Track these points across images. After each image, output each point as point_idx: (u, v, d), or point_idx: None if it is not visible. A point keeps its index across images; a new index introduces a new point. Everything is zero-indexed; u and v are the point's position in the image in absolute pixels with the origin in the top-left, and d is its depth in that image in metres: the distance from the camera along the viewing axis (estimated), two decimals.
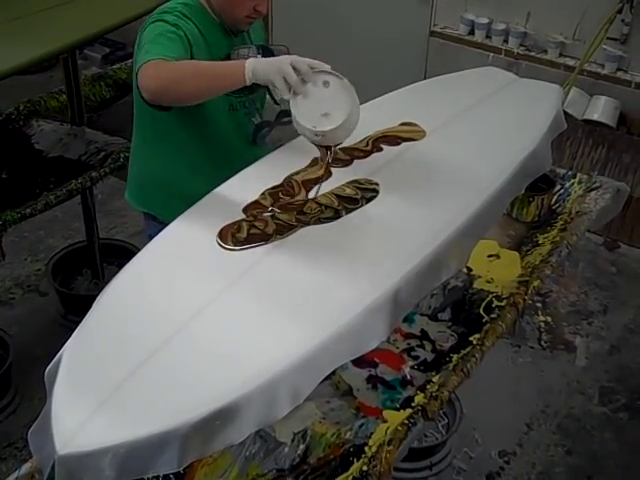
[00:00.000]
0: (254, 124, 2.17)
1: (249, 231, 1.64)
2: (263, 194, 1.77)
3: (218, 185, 1.84)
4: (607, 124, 3.99)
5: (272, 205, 1.73)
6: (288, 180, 1.83)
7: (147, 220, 2.24)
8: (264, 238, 1.62)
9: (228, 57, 2.03)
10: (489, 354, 1.90)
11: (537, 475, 2.88)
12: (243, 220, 1.68)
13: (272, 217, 1.69)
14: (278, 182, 1.82)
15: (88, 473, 1.23)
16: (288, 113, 2.02)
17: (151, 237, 1.72)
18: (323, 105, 1.70)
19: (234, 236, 1.63)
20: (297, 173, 1.85)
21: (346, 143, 1.96)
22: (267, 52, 2.02)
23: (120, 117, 3.20)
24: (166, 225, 1.73)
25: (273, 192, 1.78)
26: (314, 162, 1.89)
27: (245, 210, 1.71)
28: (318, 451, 1.74)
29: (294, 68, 1.69)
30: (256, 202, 1.75)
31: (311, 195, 1.78)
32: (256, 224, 1.66)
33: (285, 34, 5.23)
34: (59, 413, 1.27)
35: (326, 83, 1.71)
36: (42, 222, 3.83)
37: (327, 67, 1.74)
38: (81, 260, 3.53)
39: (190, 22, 1.97)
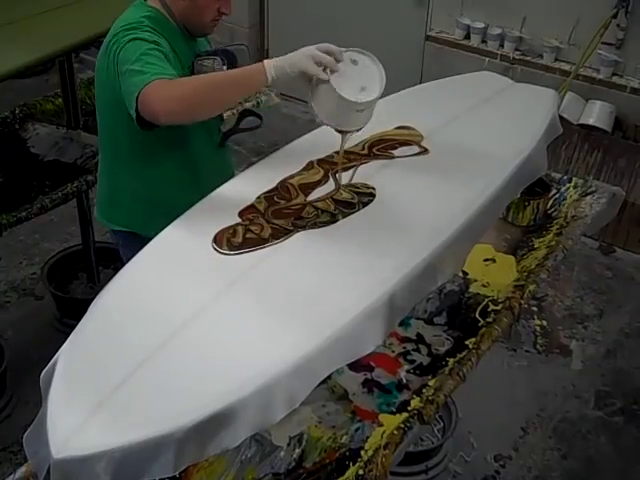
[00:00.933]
0: (220, 130, 2.17)
1: (245, 235, 1.64)
2: (258, 198, 1.77)
3: (196, 193, 1.83)
4: (602, 129, 4.00)
5: (266, 209, 1.73)
6: (283, 184, 1.82)
7: (126, 238, 2.17)
8: (260, 242, 1.62)
9: (192, 64, 2.01)
10: (485, 358, 1.90)
11: (533, 479, 2.88)
12: (239, 224, 1.68)
13: (268, 221, 1.69)
14: (273, 186, 1.82)
15: (84, 477, 1.23)
16: (249, 113, 2.03)
17: (132, 256, 1.66)
18: (358, 81, 1.77)
19: (229, 241, 1.63)
20: (292, 177, 1.85)
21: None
22: (229, 55, 2.02)
23: None
24: (149, 240, 1.69)
25: (268, 196, 1.78)
26: (309, 166, 1.89)
27: (240, 214, 1.71)
28: (314, 455, 1.74)
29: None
30: (251, 206, 1.75)
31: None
32: (252, 228, 1.66)
33: (280, 38, 5.24)
34: (55, 417, 1.27)
35: (354, 61, 1.78)
36: (38, 226, 3.82)
37: (350, 49, 1.80)
38: (77, 264, 3.52)
39: (161, 36, 1.93)
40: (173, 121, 1.83)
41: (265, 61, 1.76)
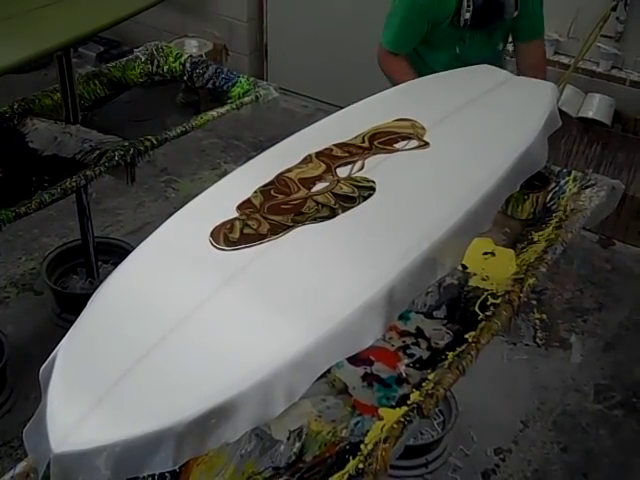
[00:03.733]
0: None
1: (242, 231, 1.63)
2: (255, 192, 1.76)
3: None
4: (602, 122, 4.00)
5: (262, 204, 1.71)
6: (279, 178, 1.81)
7: None
8: (258, 238, 1.61)
9: None
10: (484, 352, 1.90)
11: (533, 472, 2.88)
12: (236, 219, 1.67)
13: (264, 217, 1.67)
14: (269, 180, 1.81)
15: (83, 472, 1.23)
16: None
17: None
18: None
19: (226, 236, 1.61)
20: (289, 171, 1.84)
21: (342, 140, 1.96)
22: None
23: (115, 115, 3.20)
24: None
25: (264, 190, 1.77)
26: (307, 159, 1.88)
27: (238, 208, 1.70)
28: (314, 449, 1.74)
29: None
30: (248, 200, 1.73)
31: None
32: (249, 223, 1.65)
33: (279, 33, 5.23)
34: (54, 412, 1.27)
35: None
36: (37, 221, 3.82)
37: None
38: (76, 259, 3.53)
39: None
40: None
41: None
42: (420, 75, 2.76)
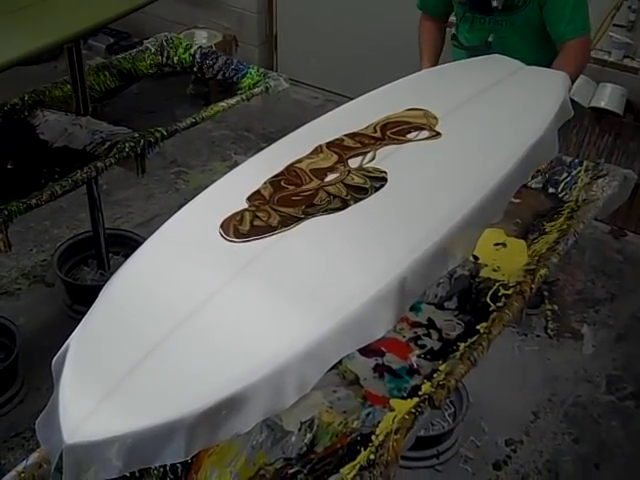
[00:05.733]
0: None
1: (252, 222, 1.62)
2: (264, 183, 1.75)
3: None
4: (614, 112, 3.97)
5: (272, 195, 1.70)
6: (290, 169, 1.80)
7: None
8: (268, 230, 1.60)
9: None
10: (496, 343, 1.90)
11: (544, 463, 2.88)
12: (246, 210, 1.66)
13: (273, 209, 1.66)
14: (279, 171, 1.80)
15: (96, 462, 1.23)
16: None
17: None
18: None
19: (236, 228, 1.61)
20: (299, 162, 1.83)
21: (353, 130, 1.95)
22: None
23: (125, 107, 3.20)
24: None
25: (274, 181, 1.76)
26: (318, 150, 1.87)
27: (248, 200, 1.70)
28: (325, 440, 1.74)
29: None
30: (257, 192, 1.72)
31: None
32: (259, 215, 1.64)
33: (289, 24, 5.22)
34: (66, 403, 1.27)
35: None
36: (47, 212, 3.84)
37: None
38: (87, 250, 3.54)
39: None
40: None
41: None
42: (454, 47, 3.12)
